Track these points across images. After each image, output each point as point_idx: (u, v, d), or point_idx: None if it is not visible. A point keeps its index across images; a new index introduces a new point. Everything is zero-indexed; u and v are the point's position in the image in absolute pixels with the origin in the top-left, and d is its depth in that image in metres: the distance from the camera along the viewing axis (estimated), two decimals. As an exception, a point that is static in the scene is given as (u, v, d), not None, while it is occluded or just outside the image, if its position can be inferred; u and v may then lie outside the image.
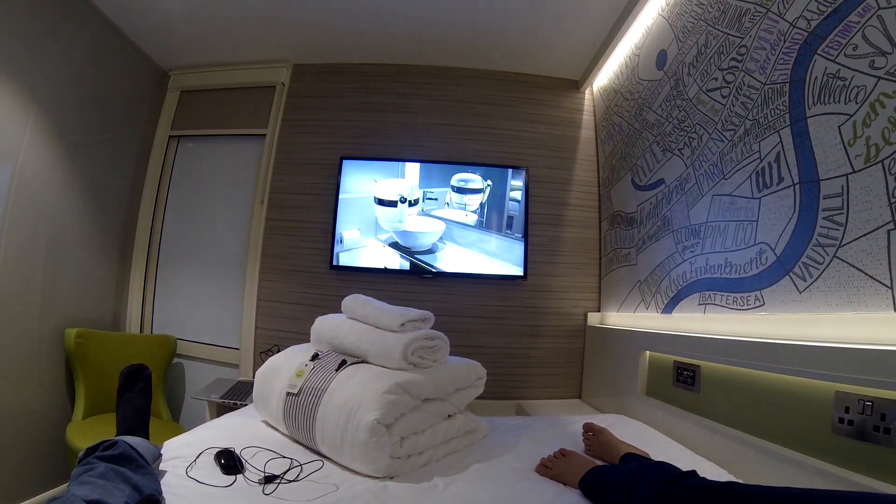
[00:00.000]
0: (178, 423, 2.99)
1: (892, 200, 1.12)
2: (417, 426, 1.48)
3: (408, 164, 3.07)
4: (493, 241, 3.01)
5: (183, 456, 1.37)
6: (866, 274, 1.18)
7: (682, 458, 1.49)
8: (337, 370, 1.57)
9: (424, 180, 3.05)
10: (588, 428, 1.66)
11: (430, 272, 2.97)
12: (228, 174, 3.34)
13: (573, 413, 2.50)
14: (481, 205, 3.02)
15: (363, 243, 3.02)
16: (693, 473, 1.03)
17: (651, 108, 2.42)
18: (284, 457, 1.43)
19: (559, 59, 3.10)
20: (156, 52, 3.19)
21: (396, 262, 3.01)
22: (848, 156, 1.25)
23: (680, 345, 1.91)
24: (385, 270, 3.00)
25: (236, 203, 3.28)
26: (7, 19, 2.17)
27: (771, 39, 1.59)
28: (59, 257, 2.56)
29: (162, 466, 1.31)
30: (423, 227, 3.02)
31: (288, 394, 1.58)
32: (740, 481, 1.22)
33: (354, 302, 1.82)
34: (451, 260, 3.00)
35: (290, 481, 1.29)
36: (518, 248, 2.99)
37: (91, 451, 1.14)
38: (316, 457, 1.47)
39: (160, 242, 3.31)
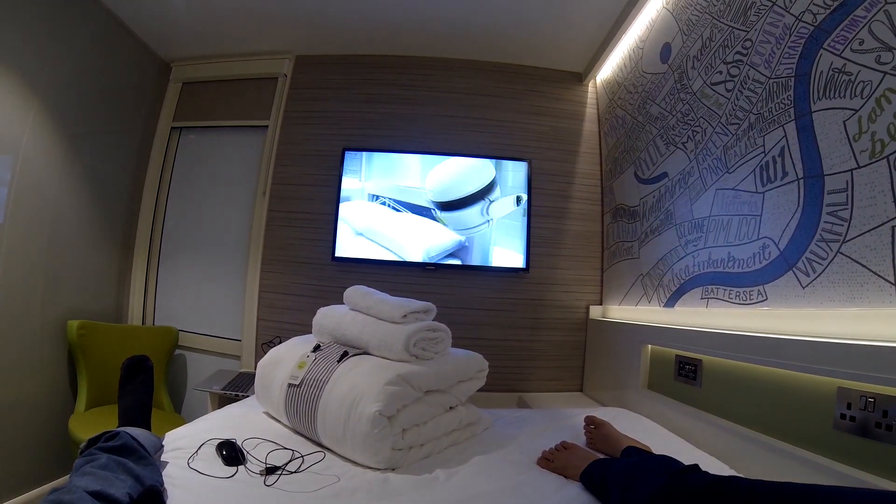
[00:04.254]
0: (179, 415, 3.00)
1: (898, 196, 1.11)
2: (419, 418, 1.48)
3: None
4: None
5: (184, 447, 1.37)
6: (870, 270, 1.18)
7: (684, 453, 1.49)
8: (339, 361, 1.57)
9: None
10: (590, 421, 1.66)
11: (433, 264, 2.97)
12: (230, 166, 3.33)
13: (574, 406, 2.51)
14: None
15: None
16: (695, 467, 1.03)
17: (655, 101, 2.41)
18: (286, 448, 1.43)
19: (563, 51, 3.08)
20: (158, 43, 3.18)
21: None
22: (853, 151, 1.25)
23: (682, 339, 1.91)
24: (387, 262, 3.00)
25: (238, 194, 3.28)
26: (8, 11, 2.16)
27: (776, 33, 1.58)
28: (61, 249, 2.57)
29: (164, 457, 1.31)
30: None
31: (289, 385, 1.58)
32: (742, 476, 1.22)
33: (356, 293, 1.82)
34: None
35: (292, 472, 1.29)
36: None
37: (93, 442, 1.14)
38: (317, 448, 1.48)
39: (162, 234, 3.31)
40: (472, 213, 3.00)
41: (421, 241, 2.99)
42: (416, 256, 2.99)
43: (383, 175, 3.06)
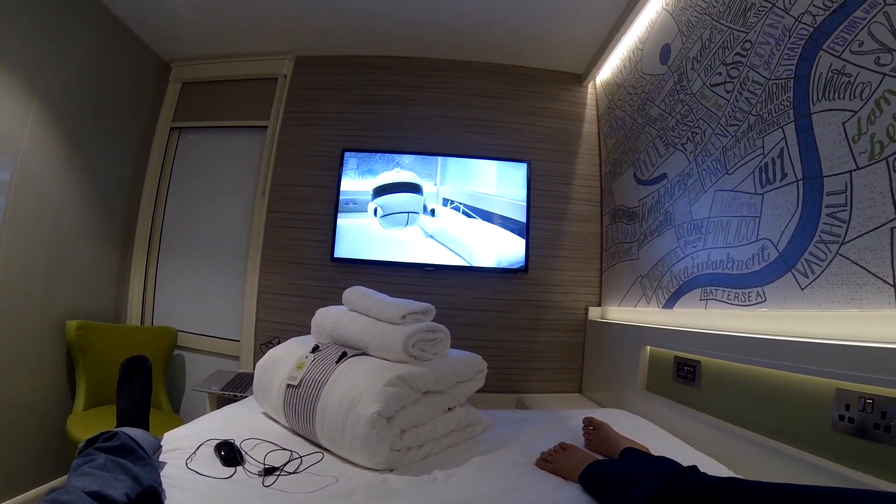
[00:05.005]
0: (178, 415, 3.00)
1: (896, 197, 1.11)
2: (418, 419, 1.48)
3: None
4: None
5: (183, 447, 1.37)
6: (869, 271, 1.18)
7: (682, 454, 1.49)
8: (337, 362, 1.57)
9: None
10: (588, 422, 1.66)
11: (432, 265, 2.97)
12: (230, 166, 3.33)
13: (573, 407, 2.50)
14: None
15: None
16: (694, 469, 1.03)
17: (654, 102, 2.41)
18: (284, 449, 1.43)
19: (562, 52, 3.08)
20: (157, 43, 3.18)
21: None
22: (852, 152, 1.25)
23: (681, 340, 1.91)
24: (386, 263, 3.00)
25: (237, 195, 3.28)
26: (8, 11, 2.16)
27: (776, 35, 1.58)
28: (60, 249, 2.56)
29: (162, 458, 1.31)
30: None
31: (288, 386, 1.58)
32: (740, 477, 1.22)
33: (355, 294, 1.82)
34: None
35: (290, 473, 1.29)
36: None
37: (91, 442, 1.14)
38: (316, 449, 1.48)
39: (161, 234, 3.31)
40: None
41: (493, 249, 3.00)
42: (488, 264, 3.00)
43: (458, 180, 3.05)
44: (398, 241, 3.00)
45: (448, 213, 3.02)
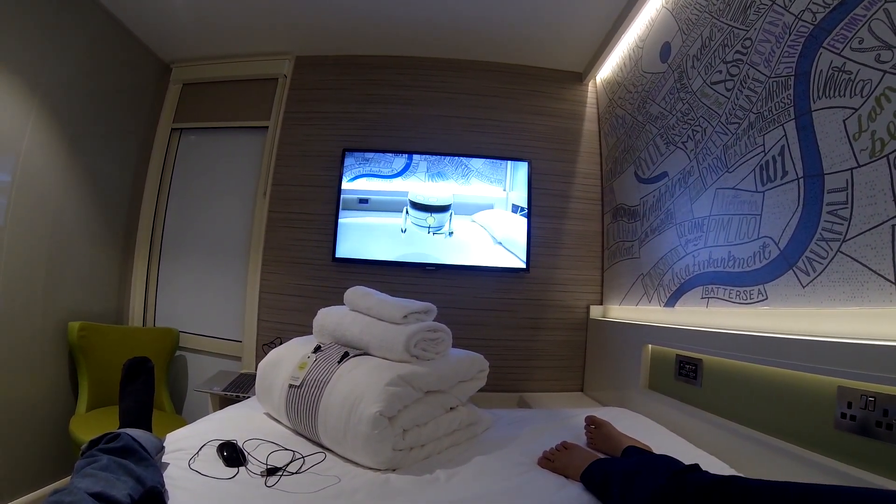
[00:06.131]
0: (180, 416, 3.00)
1: (898, 195, 1.11)
2: (420, 418, 1.48)
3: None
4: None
5: (185, 448, 1.37)
6: (870, 269, 1.18)
7: (684, 452, 1.49)
8: (339, 362, 1.57)
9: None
10: (590, 421, 1.66)
11: (433, 264, 2.97)
12: (231, 167, 3.33)
13: (575, 406, 2.51)
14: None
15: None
16: (696, 467, 1.03)
17: (654, 100, 2.41)
18: (287, 449, 1.43)
19: (563, 51, 3.08)
20: (158, 44, 3.18)
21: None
22: (853, 150, 1.25)
23: (682, 338, 1.91)
24: (387, 262, 3.00)
25: (239, 195, 3.28)
26: (8, 13, 2.16)
27: (776, 32, 1.57)
28: (62, 251, 2.57)
29: (164, 459, 1.31)
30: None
31: (290, 386, 1.58)
32: (742, 475, 1.22)
33: (356, 294, 1.82)
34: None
35: (293, 473, 1.29)
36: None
37: (94, 443, 1.14)
38: (318, 449, 1.48)
39: (163, 235, 3.31)
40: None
41: None
42: None
43: (527, 186, 3.05)
44: (466, 245, 3.01)
45: (516, 219, 3.02)
